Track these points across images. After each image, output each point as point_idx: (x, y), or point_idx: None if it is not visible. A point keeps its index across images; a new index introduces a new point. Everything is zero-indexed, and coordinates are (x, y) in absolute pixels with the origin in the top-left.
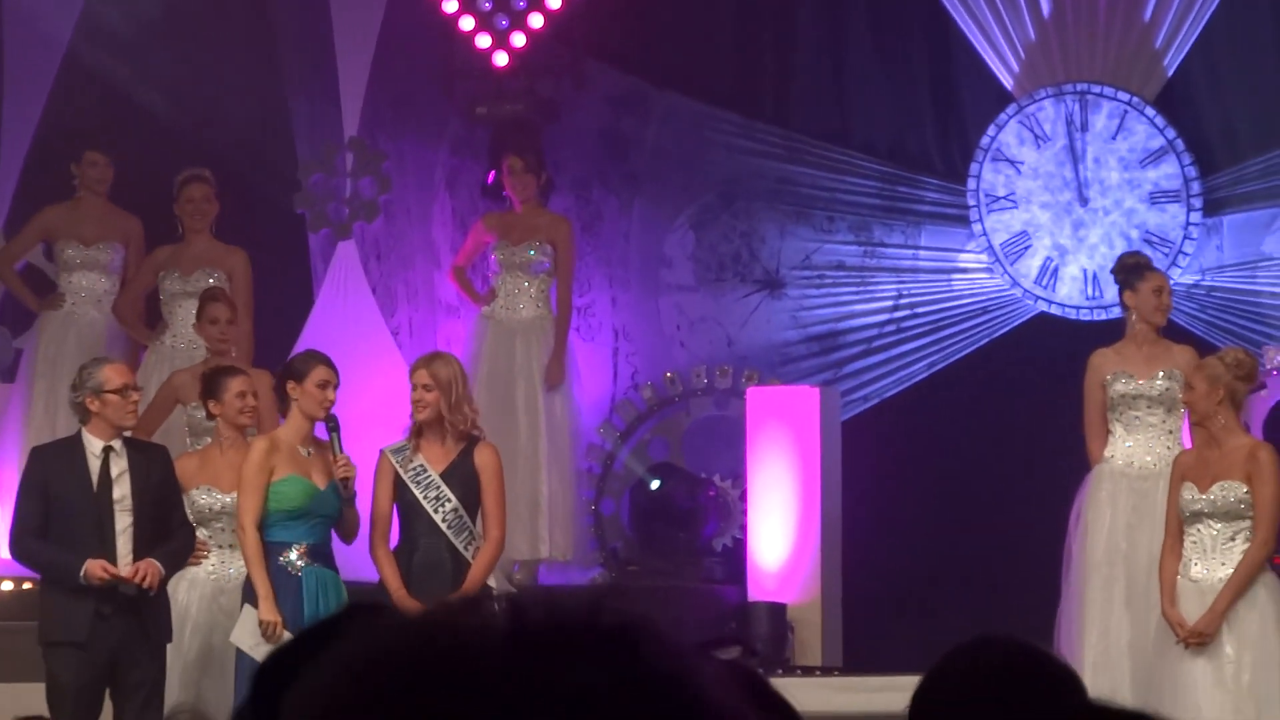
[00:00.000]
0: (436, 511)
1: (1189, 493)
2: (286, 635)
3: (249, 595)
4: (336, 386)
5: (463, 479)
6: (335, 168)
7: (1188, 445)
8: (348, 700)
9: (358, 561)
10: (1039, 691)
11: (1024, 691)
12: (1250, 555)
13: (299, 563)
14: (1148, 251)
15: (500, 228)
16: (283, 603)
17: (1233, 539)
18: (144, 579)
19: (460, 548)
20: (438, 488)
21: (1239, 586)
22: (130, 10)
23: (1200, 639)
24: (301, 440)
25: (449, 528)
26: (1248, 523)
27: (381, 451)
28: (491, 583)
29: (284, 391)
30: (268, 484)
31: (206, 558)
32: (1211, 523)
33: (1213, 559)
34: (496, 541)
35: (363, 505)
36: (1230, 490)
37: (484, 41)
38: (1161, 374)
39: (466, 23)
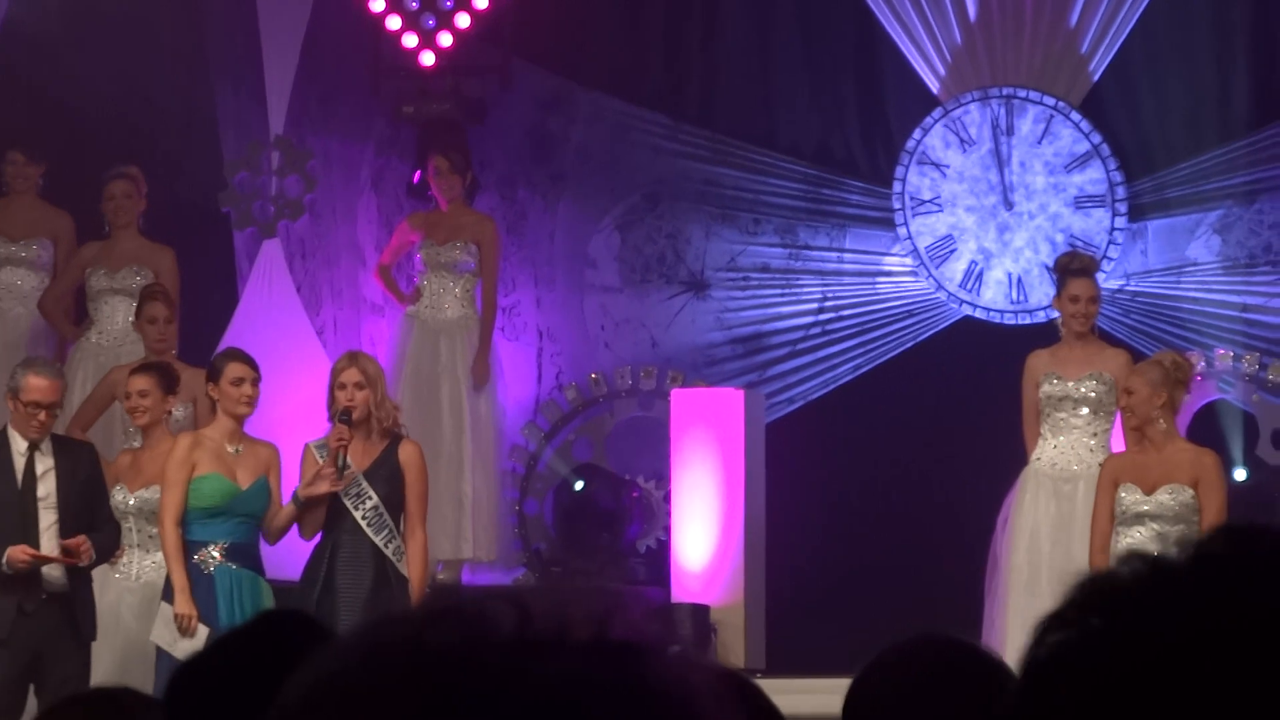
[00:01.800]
0: (357, 509)
1: (1130, 494)
2: (203, 630)
3: (169, 593)
4: (255, 382)
5: (386, 476)
6: (260, 166)
7: (1116, 449)
8: (355, 696)
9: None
10: (972, 686)
11: (957, 687)
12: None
13: (211, 562)
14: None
15: (425, 227)
16: (196, 601)
17: (1177, 543)
18: (82, 549)
19: (381, 545)
20: (359, 485)
21: None
22: (54, 8)
23: None
24: (228, 438)
25: (369, 525)
26: (1192, 527)
27: (306, 446)
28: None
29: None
30: (189, 480)
31: (120, 558)
32: (1155, 525)
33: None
34: (422, 541)
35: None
36: (1178, 494)
37: (411, 41)
38: (1089, 376)
39: (393, 22)
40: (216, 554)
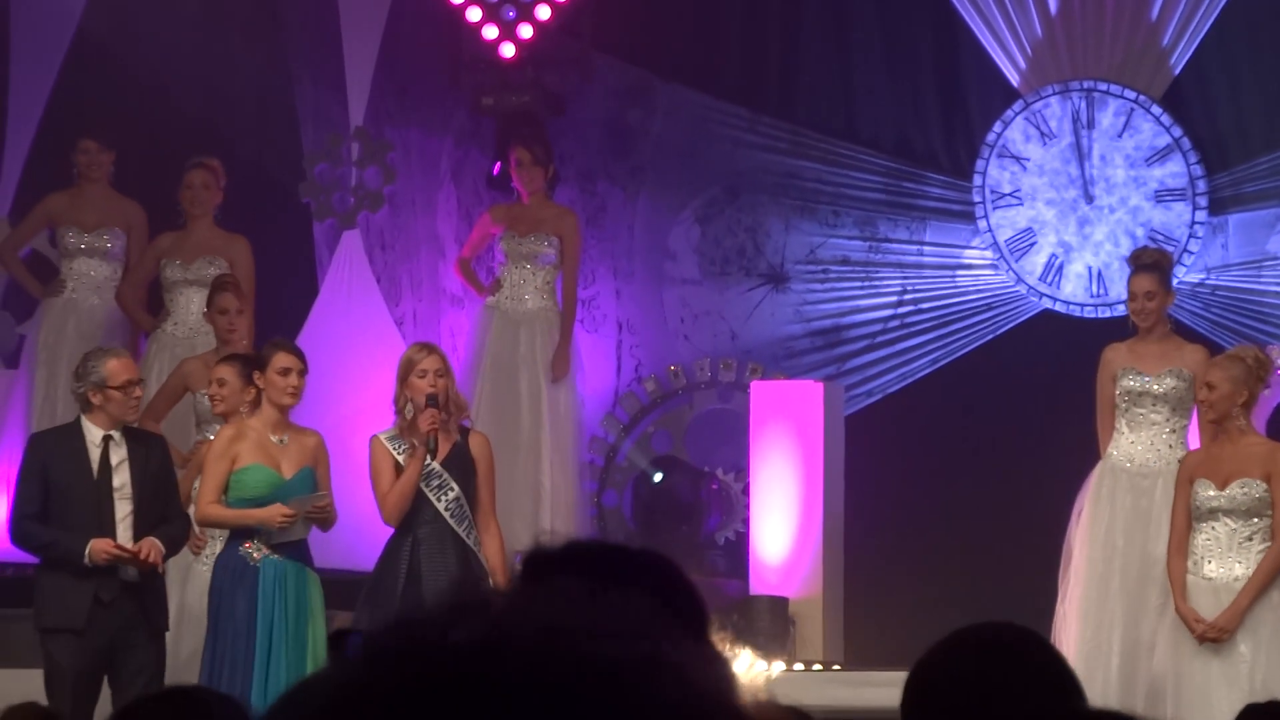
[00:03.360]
0: (440, 500)
1: (1205, 489)
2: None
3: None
4: (302, 373)
5: (461, 468)
6: (341, 157)
7: (1193, 445)
8: (382, 695)
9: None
10: (1029, 681)
11: (1013, 679)
12: (1272, 555)
13: (256, 554)
14: (1158, 245)
15: (507, 219)
16: (238, 593)
17: (1250, 538)
18: (147, 555)
19: (463, 535)
20: (440, 476)
21: (1261, 585)
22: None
23: (1220, 634)
24: (273, 428)
25: (451, 516)
26: (1265, 521)
27: (375, 438)
28: None
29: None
30: (229, 471)
31: (203, 548)
32: (1229, 520)
33: (1229, 557)
34: (499, 532)
35: (363, 492)
36: (1251, 488)
37: (491, 33)
38: (1169, 372)
39: (474, 14)
40: (263, 546)
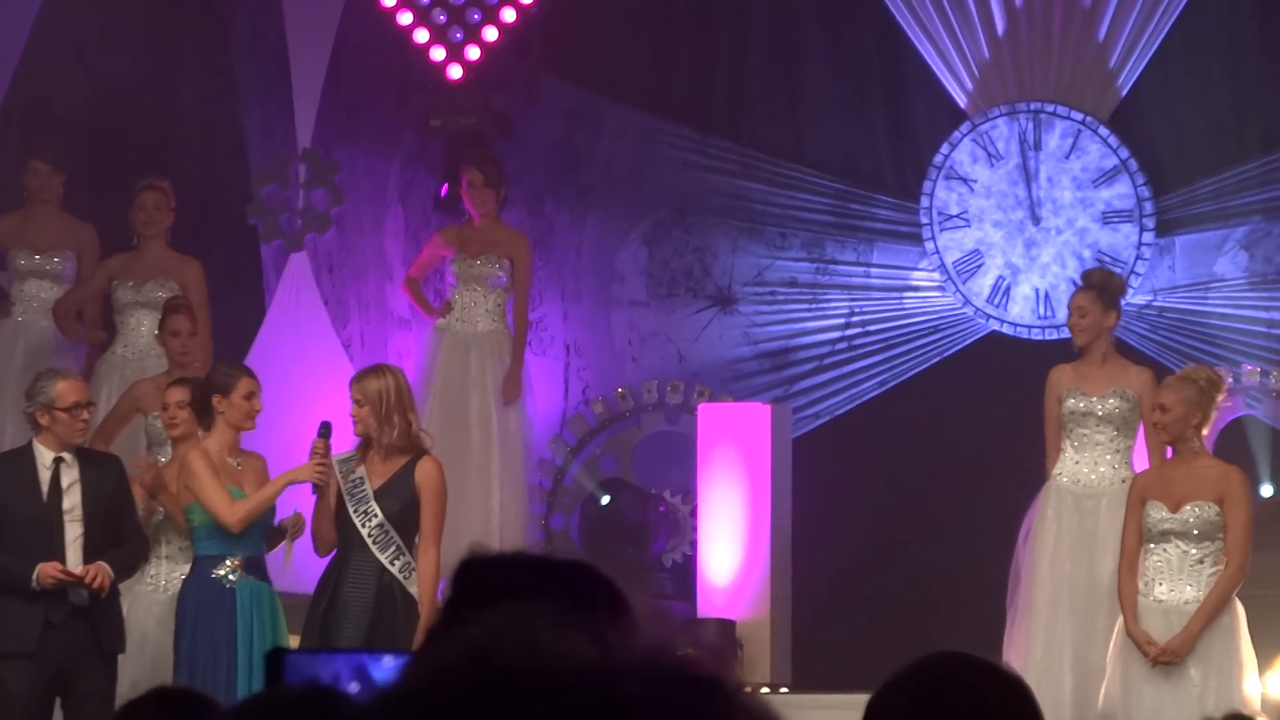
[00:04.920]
0: (363, 526)
1: (1157, 511)
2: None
3: (186, 605)
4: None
5: (398, 494)
6: (288, 179)
7: (1139, 467)
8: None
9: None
10: (991, 709)
11: (975, 707)
12: (1225, 579)
13: (232, 576)
14: (1103, 266)
15: (458, 241)
16: (217, 617)
17: (1201, 560)
18: (94, 580)
19: (385, 562)
20: (367, 502)
21: (1214, 610)
22: (85, 21)
23: (1173, 658)
24: (230, 452)
25: (374, 542)
26: (1217, 544)
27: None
28: None
29: (207, 405)
30: (225, 485)
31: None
32: (1180, 543)
33: (1180, 580)
34: (434, 559)
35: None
36: (1204, 510)
37: (438, 54)
38: (1113, 393)
39: (421, 35)
40: (233, 568)
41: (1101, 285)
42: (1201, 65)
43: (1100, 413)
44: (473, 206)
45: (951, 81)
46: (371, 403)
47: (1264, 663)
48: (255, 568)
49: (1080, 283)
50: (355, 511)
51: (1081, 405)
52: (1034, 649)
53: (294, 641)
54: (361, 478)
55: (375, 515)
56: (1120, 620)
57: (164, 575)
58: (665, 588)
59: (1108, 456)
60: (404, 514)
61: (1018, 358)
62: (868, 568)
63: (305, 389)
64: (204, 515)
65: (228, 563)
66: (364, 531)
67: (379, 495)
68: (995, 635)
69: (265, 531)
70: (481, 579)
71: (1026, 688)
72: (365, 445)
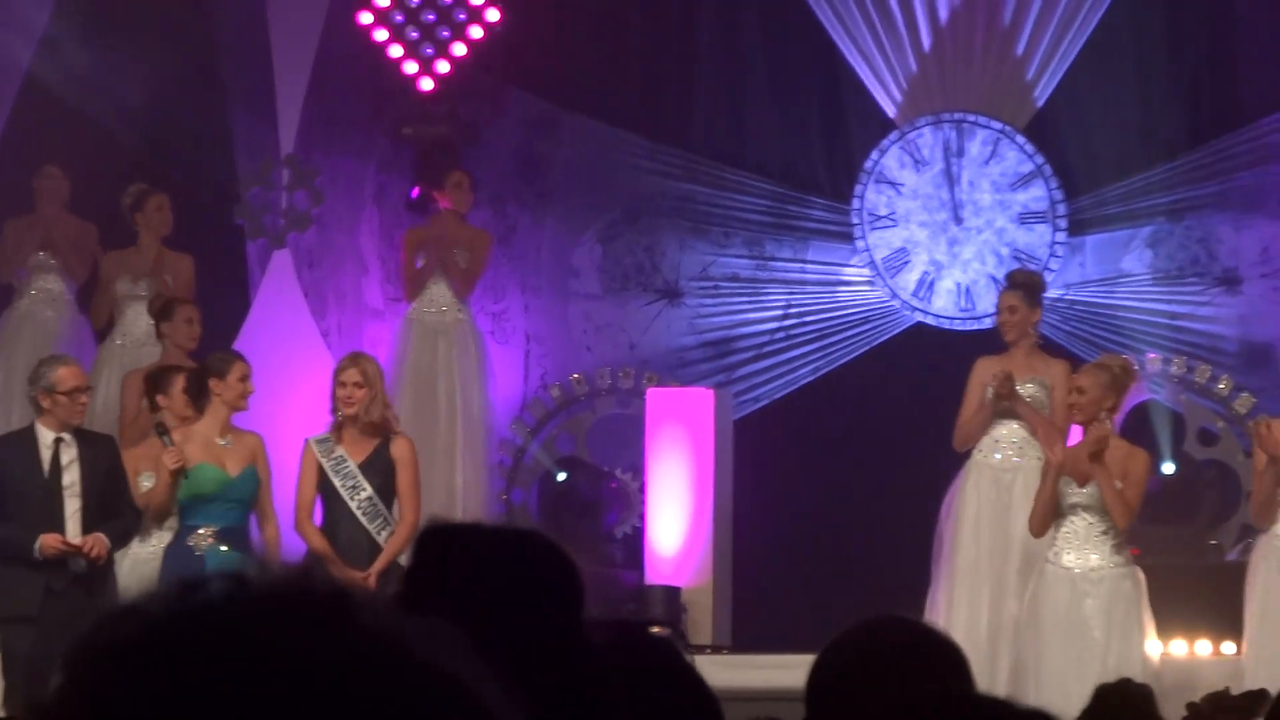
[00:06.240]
0: (352, 499)
1: (1066, 486)
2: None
3: (161, 572)
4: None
5: (380, 469)
6: (272, 182)
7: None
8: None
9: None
10: (929, 667)
11: (916, 664)
12: (1117, 504)
13: (204, 544)
14: (1022, 266)
15: (429, 238)
16: None
17: (1105, 532)
18: (92, 550)
19: (374, 533)
20: (354, 477)
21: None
22: (87, 34)
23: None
24: (219, 431)
25: (363, 514)
26: None
27: (306, 441)
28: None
29: (203, 388)
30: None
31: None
32: (1087, 515)
33: (1085, 548)
34: (410, 525)
35: (288, 490)
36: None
37: (411, 68)
38: (1031, 380)
39: (395, 50)
40: (209, 537)
41: (1027, 284)
42: (1111, 79)
43: (1020, 396)
44: (454, 204)
45: (881, 93)
46: (371, 384)
47: (1162, 626)
48: (232, 537)
49: (1005, 283)
50: (343, 487)
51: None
52: (956, 610)
53: None
54: (343, 456)
55: (364, 489)
56: (1031, 586)
57: (156, 541)
58: (616, 557)
59: (1027, 436)
60: (384, 488)
61: (941, 347)
62: (803, 539)
63: (287, 374)
64: (187, 489)
65: (202, 532)
66: (353, 505)
67: (363, 471)
68: (917, 598)
69: (246, 506)
70: (442, 546)
71: (960, 649)
72: (338, 426)
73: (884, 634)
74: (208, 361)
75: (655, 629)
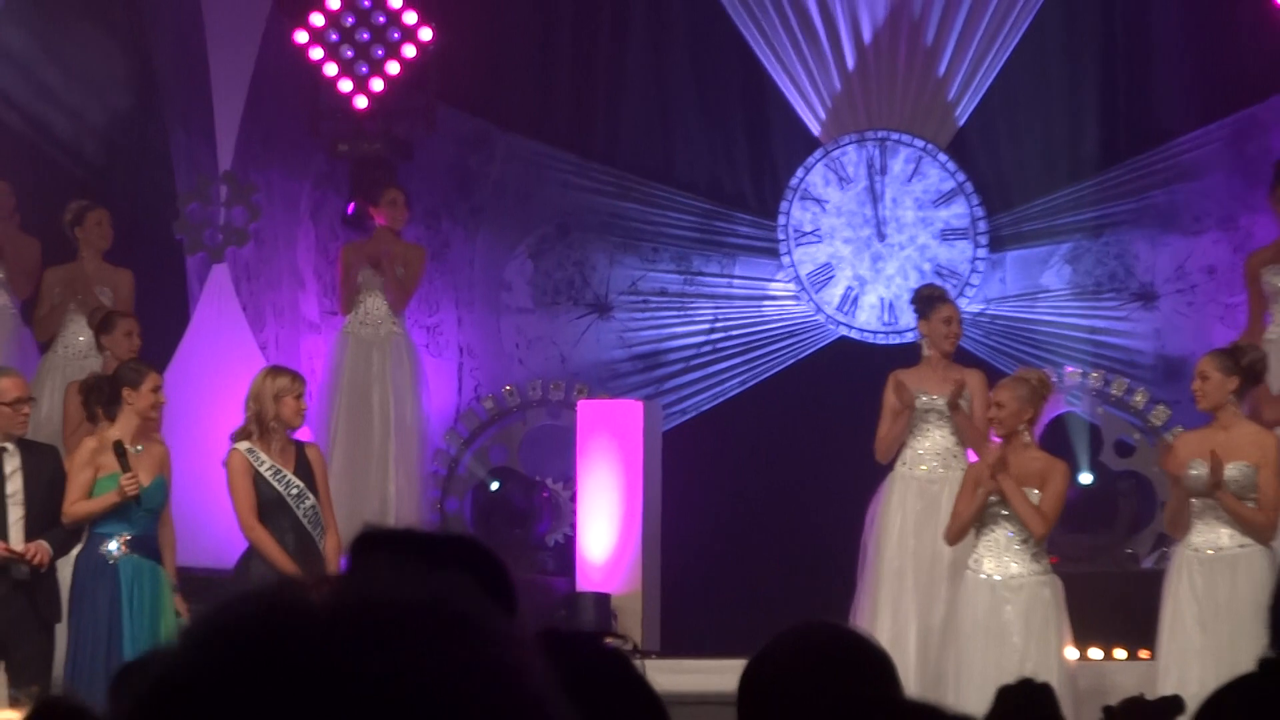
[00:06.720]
0: (298, 508)
1: (989, 497)
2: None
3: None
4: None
5: (305, 477)
6: (210, 198)
7: (973, 457)
8: (175, 682)
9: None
10: (858, 673)
11: (844, 672)
12: (1030, 514)
13: (116, 553)
14: (939, 283)
15: (365, 254)
16: (100, 589)
17: (1025, 541)
18: (35, 557)
19: (316, 539)
20: (298, 486)
21: (1024, 504)
22: (29, 53)
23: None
24: (132, 439)
25: (309, 522)
26: None
27: (234, 448)
28: None
29: (116, 396)
30: (92, 478)
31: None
32: (1008, 525)
33: (1005, 557)
34: (337, 531)
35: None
36: (1029, 497)
37: (346, 86)
38: (945, 393)
39: (330, 69)
40: (121, 545)
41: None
42: (1031, 99)
43: (940, 407)
44: (390, 221)
45: (806, 111)
46: (254, 399)
47: (1079, 632)
48: (142, 545)
49: (927, 298)
50: (288, 495)
51: (926, 403)
52: (882, 617)
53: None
54: (276, 466)
55: (308, 497)
56: (951, 594)
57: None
58: (548, 565)
59: (950, 448)
60: (313, 494)
61: (864, 360)
62: (730, 547)
63: (226, 385)
64: (99, 495)
65: (114, 540)
66: (299, 513)
67: (300, 479)
68: (842, 605)
69: (156, 514)
70: (377, 550)
71: (887, 655)
72: (258, 436)
73: (815, 639)
74: (120, 371)
75: (609, 639)
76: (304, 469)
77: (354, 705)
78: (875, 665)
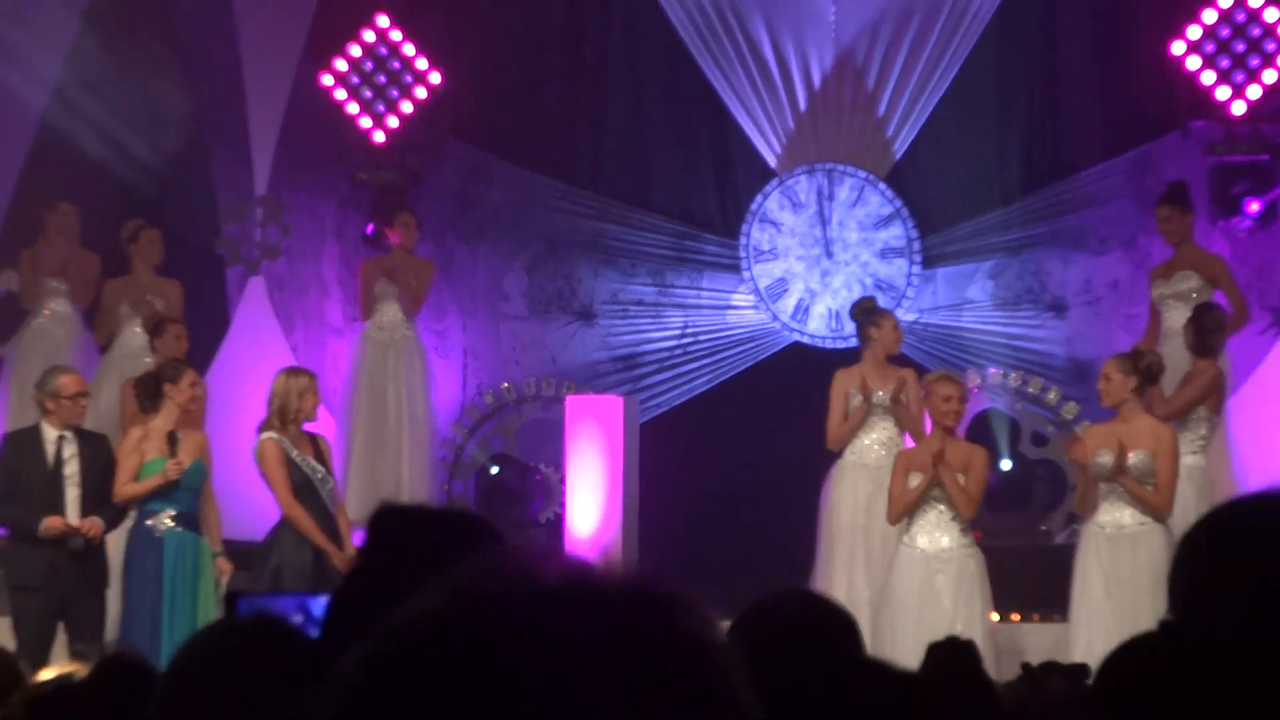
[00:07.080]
0: (323, 490)
1: (917, 479)
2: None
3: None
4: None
5: (322, 464)
6: (247, 218)
7: (909, 444)
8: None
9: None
10: (825, 635)
11: (814, 634)
12: (961, 498)
13: (163, 526)
14: (879, 296)
15: (383, 268)
16: (149, 559)
17: (954, 519)
18: (89, 531)
19: (335, 518)
20: (320, 471)
21: (966, 496)
22: (93, 94)
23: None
24: (173, 426)
25: (330, 504)
26: None
27: (269, 437)
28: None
29: (158, 390)
30: (139, 463)
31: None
32: (939, 505)
33: (936, 532)
34: (344, 510)
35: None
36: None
37: (366, 122)
38: (889, 390)
39: (352, 107)
40: (167, 520)
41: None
42: (961, 135)
43: (882, 404)
44: (403, 241)
45: (764, 146)
46: (278, 395)
47: (999, 599)
48: (186, 520)
49: (871, 309)
50: (314, 478)
51: (877, 398)
52: (836, 589)
53: (241, 579)
54: (304, 455)
55: (329, 481)
56: (891, 561)
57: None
58: (539, 540)
59: (888, 435)
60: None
61: (814, 362)
62: (700, 525)
63: (262, 381)
64: (146, 475)
65: (161, 515)
66: (323, 494)
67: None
68: (802, 571)
69: (197, 493)
70: (394, 524)
71: (853, 618)
72: (270, 427)
73: (787, 606)
74: (162, 369)
75: None
76: (319, 457)
77: (582, 665)
78: (841, 628)
